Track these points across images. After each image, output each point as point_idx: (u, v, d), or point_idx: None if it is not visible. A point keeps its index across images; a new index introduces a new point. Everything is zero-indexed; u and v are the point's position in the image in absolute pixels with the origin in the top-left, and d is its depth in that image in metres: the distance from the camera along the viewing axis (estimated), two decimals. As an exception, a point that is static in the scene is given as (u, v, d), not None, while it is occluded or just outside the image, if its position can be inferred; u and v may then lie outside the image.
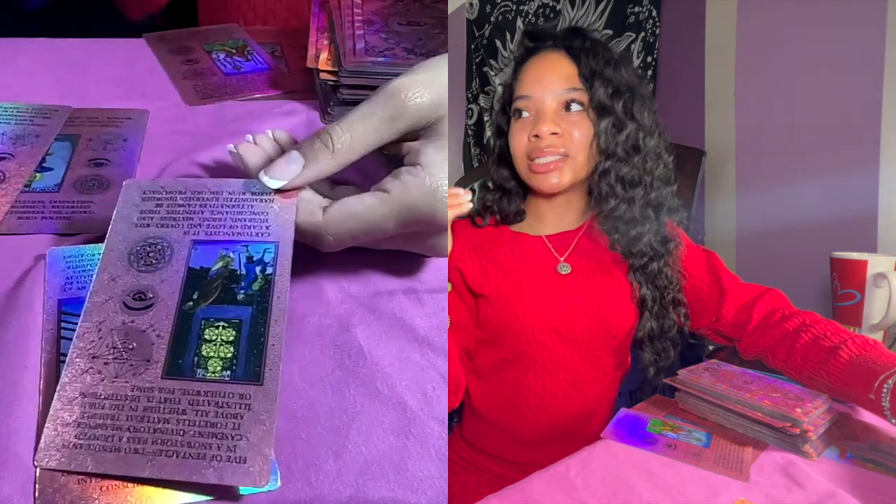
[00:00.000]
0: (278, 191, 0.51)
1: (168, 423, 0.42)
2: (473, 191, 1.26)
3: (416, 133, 0.51)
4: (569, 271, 0.71)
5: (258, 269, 0.49)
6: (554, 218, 0.75)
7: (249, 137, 0.55)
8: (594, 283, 0.71)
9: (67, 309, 0.49)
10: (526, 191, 0.77)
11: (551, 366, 0.70)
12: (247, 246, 0.50)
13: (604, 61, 0.69)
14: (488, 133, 1.70)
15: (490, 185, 0.78)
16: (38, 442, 0.42)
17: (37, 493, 0.40)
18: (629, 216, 0.70)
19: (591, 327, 0.70)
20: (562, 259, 0.72)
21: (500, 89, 1.67)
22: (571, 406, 0.71)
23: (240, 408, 0.42)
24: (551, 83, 0.69)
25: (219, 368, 0.44)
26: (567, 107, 0.69)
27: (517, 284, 0.70)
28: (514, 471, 0.70)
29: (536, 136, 0.68)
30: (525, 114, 0.70)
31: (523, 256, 0.72)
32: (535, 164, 0.69)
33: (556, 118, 0.68)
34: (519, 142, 0.70)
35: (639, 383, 0.77)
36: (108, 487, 0.41)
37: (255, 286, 0.48)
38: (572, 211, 0.75)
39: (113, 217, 0.51)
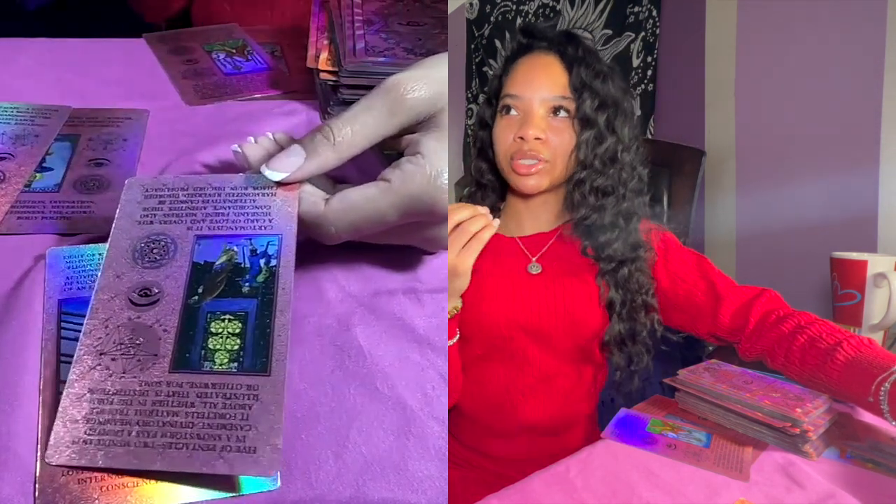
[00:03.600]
0: (280, 184, 0.51)
1: (177, 416, 0.42)
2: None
3: (415, 127, 0.52)
4: (539, 271, 0.73)
5: (262, 261, 0.49)
6: (529, 219, 0.76)
7: (251, 139, 0.56)
8: (562, 283, 0.72)
9: (67, 309, 0.49)
10: (503, 187, 0.78)
11: (520, 361, 0.72)
12: (250, 239, 0.50)
13: (594, 73, 0.71)
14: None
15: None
16: (39, 441, 0.42)
17: (37, 493, 0.40)
18: (600, 223, 0.72)
19: (558, 325, 0.71)
20: (534, 259, 0.74)
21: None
22: (541, 402, 0.72)
23: (248, 399, 0.43)
24: (541, 87, 0.70)
25: (226, 360, 0.44)
26: (554, 112, 0.70)
27: (487, 282, 0.71)
28: (493, 463, 0.73)
29: (521, 137, 0.69)
30: (513, 112, 0.71)
31: (496, 256, 0.73)
32: (516, 164, 0.70)
33: (541, 123, 0.70)
34: (504, 140, 0.72)
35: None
36: (108, 487, 0.41)
37: (260, 278, 0.48)
38: (548, 212, 0.76)
39: (116, 215, 0.51)
